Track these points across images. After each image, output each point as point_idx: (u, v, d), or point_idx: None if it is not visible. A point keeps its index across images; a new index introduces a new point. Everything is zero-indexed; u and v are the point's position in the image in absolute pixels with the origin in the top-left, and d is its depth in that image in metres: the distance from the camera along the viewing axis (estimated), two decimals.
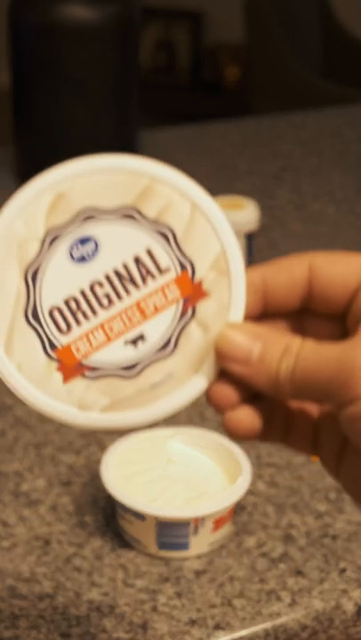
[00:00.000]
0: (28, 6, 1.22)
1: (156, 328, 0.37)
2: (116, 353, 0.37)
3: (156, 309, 0.37)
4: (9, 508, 0.73)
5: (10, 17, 1.24)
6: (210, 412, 0.85)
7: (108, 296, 0.37)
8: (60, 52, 1.21)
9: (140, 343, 0.37)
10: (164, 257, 0.37)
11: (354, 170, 1.46)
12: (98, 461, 0.78)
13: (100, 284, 0.37)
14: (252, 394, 0.38)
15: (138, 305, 0.37)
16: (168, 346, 0.37)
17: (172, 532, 0.66)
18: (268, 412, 0.39)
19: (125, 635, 0.62)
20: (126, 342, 0.37)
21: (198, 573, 0.67)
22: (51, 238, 0.37)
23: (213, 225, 0.37)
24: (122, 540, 0.69)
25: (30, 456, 0.78)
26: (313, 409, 0.41)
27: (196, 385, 0.37)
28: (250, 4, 3.13)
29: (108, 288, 0.37)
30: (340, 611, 0.66)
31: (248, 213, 0.98)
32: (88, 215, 0.36)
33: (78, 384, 0.37)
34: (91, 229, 0.36)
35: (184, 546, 0.67)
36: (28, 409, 0.84)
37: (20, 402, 0.87)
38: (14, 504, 0.73)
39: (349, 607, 0.66)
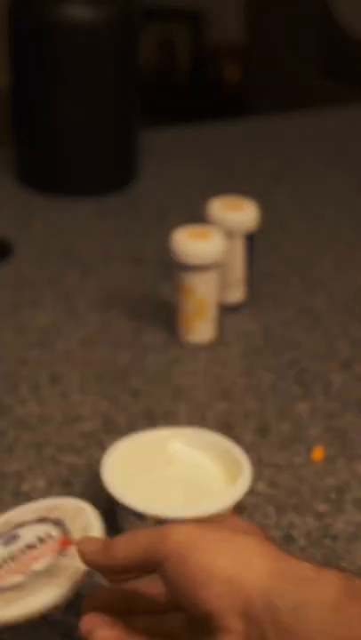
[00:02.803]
0: (28, 6, 1.22)
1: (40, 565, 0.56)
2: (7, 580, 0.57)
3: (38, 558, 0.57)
4: (9, 508, 0.73)
5: (10, 17, 1.25)
6: (210, 413, 0.85)
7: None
8: (60, 52, 1.21)
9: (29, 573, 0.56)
10: (55, 532, 0.59)
11: (354, 170, 1.46)
12: (98, 461, 0.78)
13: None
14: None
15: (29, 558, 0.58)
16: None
17: None
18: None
19: None
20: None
21: None
22: None
23: (88, 514, 0.59)
24: None
25: (30, 456, 0.78)
26: None
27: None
28: (250, 3, 3.13)
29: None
30: None
31: (248, 213, 0.98)
32: (18, 525, 0.61)
33: None
34: (18, 531, 0.60)
35: None
36: (29, 409, 0.85)
37: (20, 402, 0.87)
38: (14, 504, 0.73)
39: None
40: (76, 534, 0.59)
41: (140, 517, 0.66)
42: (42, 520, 0.62)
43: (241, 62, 4.03)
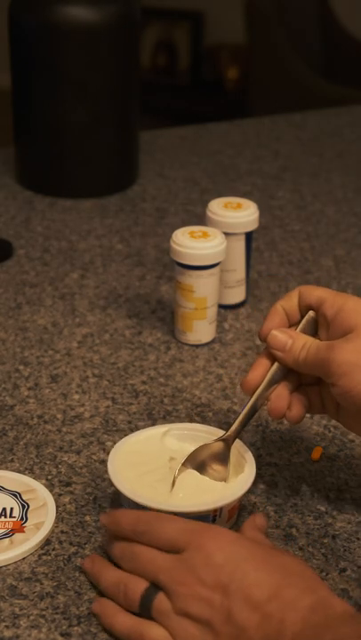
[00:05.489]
0: (28, 6, 1.22)
1: None
2: None
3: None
4: None
5: (10, 17, 1.25)
6: (210, 412, 0.85)
7: None
8: (60, 51, 1.21)
9: None
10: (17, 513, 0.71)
11: (354, 170, 1.46)
12: (98, 461, 0.78)
13: None
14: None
15: None
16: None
17: None
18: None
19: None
20: None
21: None
22: None
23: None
24: None
25: (30, 456, 0.78)
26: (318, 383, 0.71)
27: None
28: (250, 4, 3.13)
29: None
30: None
31: (248, 213, 0.98)
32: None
33: None
34: None
35: None
36: (29, 409, 0.85)
37: (20, 402, 0.87)
38: None
39: None
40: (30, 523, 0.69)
41: None
42: (14, 494, 0.72)
43: (241, 62, 4.03)
